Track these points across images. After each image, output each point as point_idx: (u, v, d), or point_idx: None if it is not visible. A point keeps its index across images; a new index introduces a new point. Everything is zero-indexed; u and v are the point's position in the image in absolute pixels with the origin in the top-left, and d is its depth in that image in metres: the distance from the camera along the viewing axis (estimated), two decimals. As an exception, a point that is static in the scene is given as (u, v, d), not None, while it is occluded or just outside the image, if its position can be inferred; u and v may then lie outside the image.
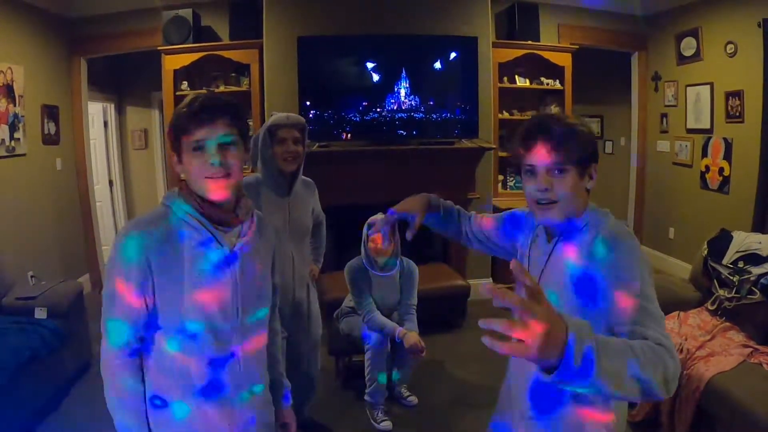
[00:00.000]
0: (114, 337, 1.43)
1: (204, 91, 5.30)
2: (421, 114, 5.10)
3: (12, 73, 4.64)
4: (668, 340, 1.17)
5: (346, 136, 5.02)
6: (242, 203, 1.55)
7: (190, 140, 1.41)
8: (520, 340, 0.87)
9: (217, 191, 1.43)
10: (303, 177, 2.83)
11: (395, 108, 5.07)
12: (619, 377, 1.00)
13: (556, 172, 1.39)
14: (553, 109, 5.72)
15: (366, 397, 3.45)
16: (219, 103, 1.44)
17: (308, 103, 4.95)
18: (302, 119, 2.72)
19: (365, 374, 3.45)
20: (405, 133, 5.09)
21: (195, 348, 1.46)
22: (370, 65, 5.02)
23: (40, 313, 3.66)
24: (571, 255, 1.43)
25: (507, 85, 5.77)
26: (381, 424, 3.35)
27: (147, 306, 1.42)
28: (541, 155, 1.39)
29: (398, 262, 3.50)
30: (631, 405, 3.19)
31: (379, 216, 3.28)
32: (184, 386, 1.48)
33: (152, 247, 1.40)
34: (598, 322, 1.25)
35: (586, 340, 0.94)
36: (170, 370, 1.47)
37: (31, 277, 4.67)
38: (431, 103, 5.13)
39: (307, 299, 2.92)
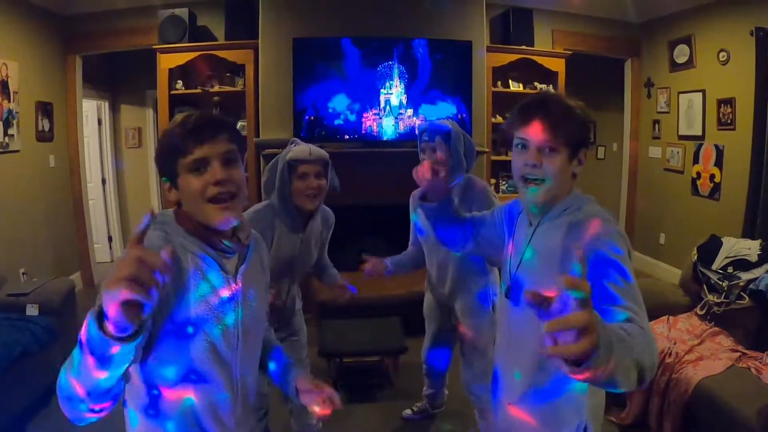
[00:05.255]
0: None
1: (199, 90, 5.32)
2: (413, 116, 5.12)
3: (7, 69, 4.63)
4: (648, 325, 1.19)
5: (340, 137, 5.04)
6: (242, 225, 1.40)
7: (188, 160, 1.26)
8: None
9: (223, 216, 1.29)
10: (325, 207, 2.64)
11: (388, 110, 5.09)
12: (630, 369, 1.01)
13: (548, 150, 1.43)
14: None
15: None
16: (216, 119, 1.33)
17: (302, 104, 4.97)
18: (325, 154, 2.45)
19: None
20: (398, 136, 5.12)
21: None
22: (364, 67, 5.03)
23: (32, 310, 3.64)
24: (551, 238, 1.46)
25: (501, 89, 5.79)
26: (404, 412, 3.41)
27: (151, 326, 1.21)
28: (535, 132, 1.42)
29: (459, 179, 2.89)
30: (619, 406, 3.22)
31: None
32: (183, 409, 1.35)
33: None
34: None
35: (610, 334, 0.95)
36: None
37: (23, 273, 4.66)
38: (424, 106, 5.15)
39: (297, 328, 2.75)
